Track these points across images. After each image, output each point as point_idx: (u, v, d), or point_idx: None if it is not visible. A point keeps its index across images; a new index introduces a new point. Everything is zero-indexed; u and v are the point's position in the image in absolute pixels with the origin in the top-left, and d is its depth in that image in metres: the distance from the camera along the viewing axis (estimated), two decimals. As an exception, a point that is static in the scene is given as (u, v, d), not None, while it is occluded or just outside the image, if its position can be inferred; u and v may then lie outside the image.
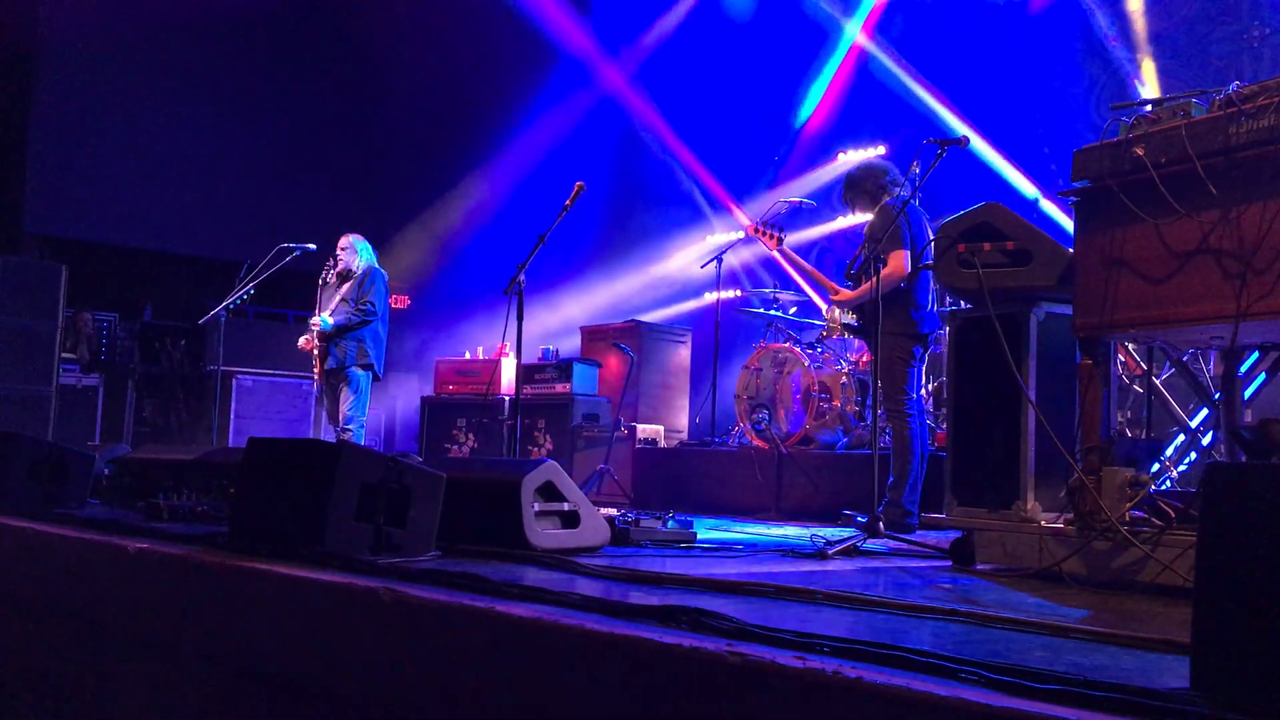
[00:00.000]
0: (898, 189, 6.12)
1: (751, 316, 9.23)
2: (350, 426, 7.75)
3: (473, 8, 12.54)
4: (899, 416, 5.81)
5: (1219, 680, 1.61)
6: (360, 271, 7.92)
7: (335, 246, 8.07)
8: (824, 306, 8.88)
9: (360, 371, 7.82)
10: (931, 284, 6.08)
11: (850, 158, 11.02)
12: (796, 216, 10.64)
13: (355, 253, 7.98)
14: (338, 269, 7.99)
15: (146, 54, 11.43)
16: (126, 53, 11.37)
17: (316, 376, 8.01)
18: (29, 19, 11.10)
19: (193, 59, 11.63)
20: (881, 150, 10.73)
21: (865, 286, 5.99)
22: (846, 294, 6.28)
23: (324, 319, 7.76)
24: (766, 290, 9.04)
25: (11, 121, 11.08)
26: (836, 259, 11.43)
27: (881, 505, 5.34)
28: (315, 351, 7.84)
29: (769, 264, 11.86)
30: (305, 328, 8.04)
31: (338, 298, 7.86)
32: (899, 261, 5.80)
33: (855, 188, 6.30)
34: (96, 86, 11.33)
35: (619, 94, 13.19)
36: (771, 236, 6.96)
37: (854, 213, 6.47)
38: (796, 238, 11.55)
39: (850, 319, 6.38)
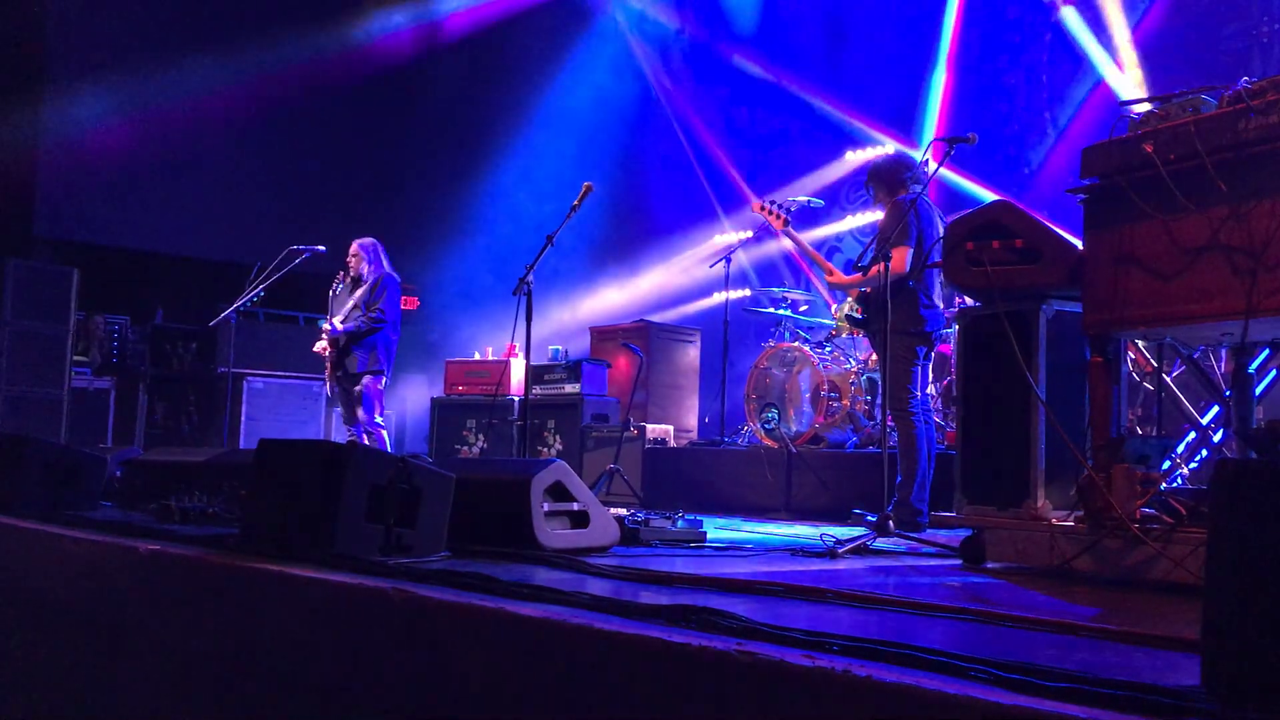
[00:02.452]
0: (915, 186, 6.11)
1: (760, 316, 9.23)
2: (371, 430, 7.79)
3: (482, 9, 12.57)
4: (903, 416, 5.79)
5: (1230, 677, 1.60)
6: (373, 278, 7.90)
7: (346, 252, 8.06)
8: (833, 306, 8.87)
9: (371, 378, 7.84)
10: (938, 283, 6.06)
11: (857, 156, 11.02)
12: (804, 216, 10.63)
13: (367, 259, 7.97)
14: (350, 274, 7.99)
15: (156, 58, 11.46)
16: (136, 57, 11.41)
17: (328, 379, 8.03)
18: (39, 24, 11.15)
19: (201, 61, 11.66)
20: (890, 150, 10.72)
21: (859, 276, 6.03)
22: (841, 277, 6.36)
23: (334, 325, 7.78)
24: (775, 289, 9.03)
25: (22, 126, 11.12)
26: (846, 259, 11.43)
27: (891, 504, 5.33)
28: (327, 357, 7.87)
29: (777, 264, 11.87)
30: (316, 331, 8.07)
31: (350, 303, 7.87)
32: (899, 258, 5.78)
33: (877, 178, 6.31)
34: (106, 90, 11.37)
35: (628, 89, 13.20)
36: (776, 215, 6.94)
37: (875, 201, 6.47)
38: (804, 237, 11.54)
39: (855, 312, 6.39)
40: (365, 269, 7.93)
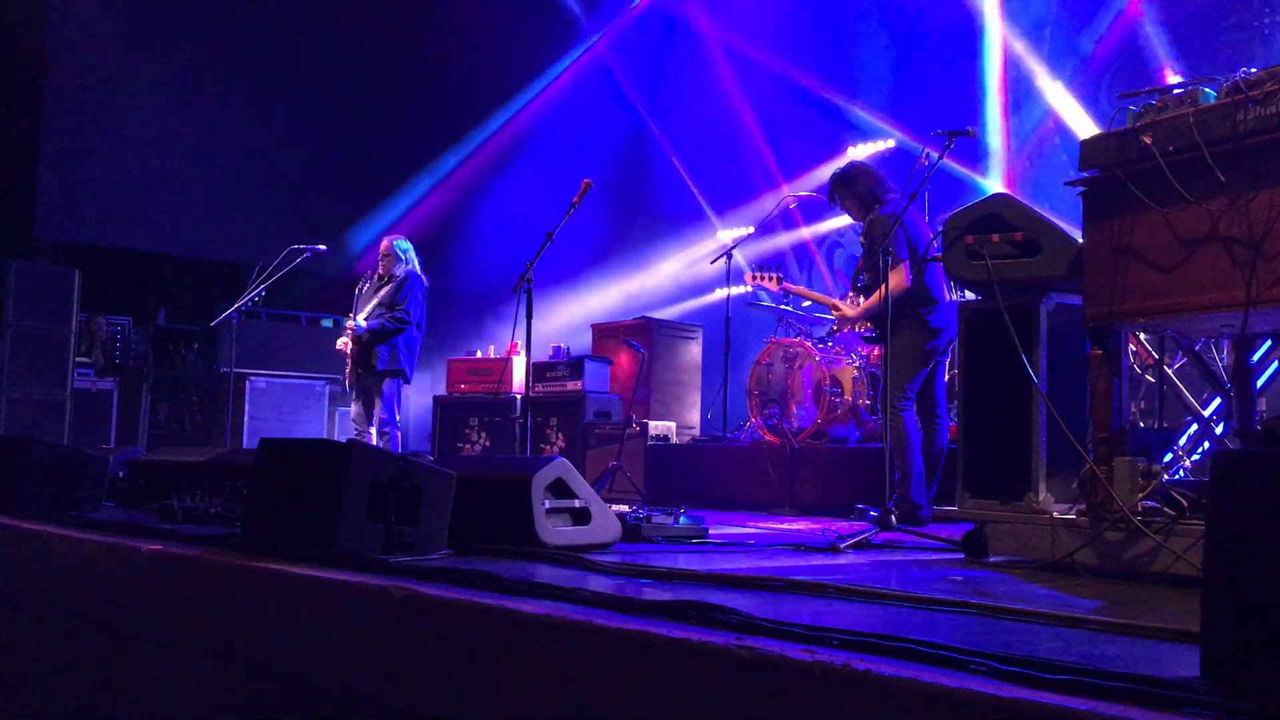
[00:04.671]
0: (892, 195, 6.08)
1: (762, 312, 9.22)
2: (386, 431, 7.80)
3: (479, 13, 12.57)
4: (894, 413, 5.74)
5: (1228, 669, 1.60)
6: (400, 277, 7.93)
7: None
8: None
9: (391, 378, 7.85)
10: (945, 278, 6.02)
11: (859, 151, 11.01)
12: (810, 210, 10.64)
13: (397, 258, 7.99)
14: (378, 272, 8.02)
15: (156, 58, 11.47)
16: (137, 57, 11.42)
17: (347, 376, 8.03)
18: (39, 25, 11.16)
19: (202, 63, 11.67)
20: (891, 144, 10.70)
21: (867, 303, 6.11)
22: (850, 313, 6.44)
23: (358, 322, 7.79)
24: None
25: (23, 127, 11.13)
26: (848, 255, 11.44)
27: (892, 500, 5.32)
28: (349, 353, 7.87)
29: (784, 257, 11.88)
30: (319, 330, 8.09)
31: (374, 301, 7.89)
32: (899, 278, 5.75)
33: (847, 188, 6.22)
34: (107, 91, 11.38)
35: (627, 94, 13.22)
36: (771, 279, 7.19)
37: (841, 211, 6.43)
38: (807, 232, 11.55)
39: (865, 330, 6.43)
40: (395, 268, 7.96)
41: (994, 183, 9.80)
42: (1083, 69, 9.66)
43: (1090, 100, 9.46)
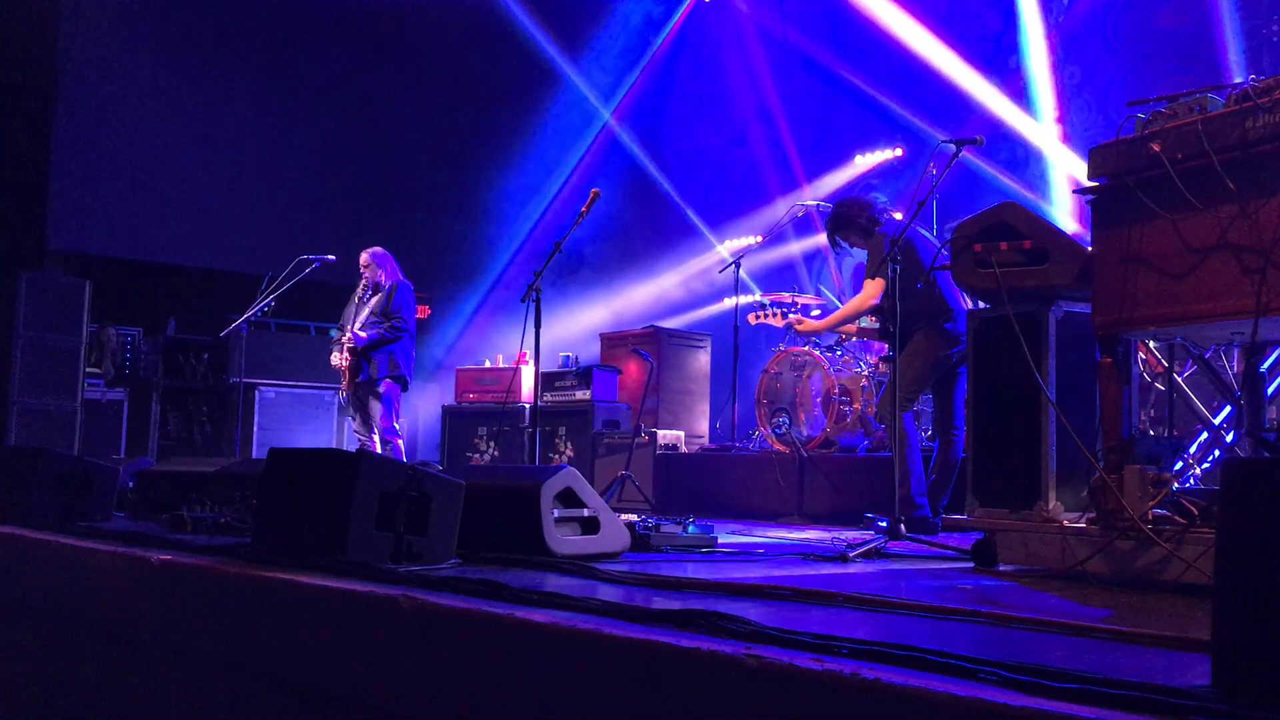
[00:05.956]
0: (887, 215, 6.14)
1: (770, 320, 9.23)
2: (390, 439, 7.85)
3: (485, 27, 12.61)
4: (892, 415, 5.72)
5: (1240, 677, 1.59)
6: (387, 286, 7.99)
7: (357, 262, 8.11)
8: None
9: (391, 384, 7.90)
10: (955, 288, 6.01)
11: (866, 159, 11.01)
12: (824, 216, 10.63)
13: (378, 266, 8.05)
14: (365, 284, 8.07)
15: (167, 70, 11.51)
16: (148, 69, 11.46)
17: (344, 389, 8.05)
18: (51, 36, 11.21)
19: (213, 74, 11.71)
20: (899, 152, 10.70)
21: (830, 319, 6.53)
22: (811, 325, 6.75)
23: (356, 334, 7.83)
24: (785, 294, 9.03)
25: (34, 138, 11.18)
26: (856, 264, 11.42)
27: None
28: (346, 366, 7.90)
29: (795, 264, 11.88)
30: (328, 340, 8.13)
31: (366, 312, 7.93)
32: (871, 289, 5.92)
33: (847, 225, 6.26)
34: (118, 103, 11.42)
35: (624, 113, 13.26)
36: (773, 315, 7.53)
37: (849, 248, 6.45)
38: (813, 241, 11.54)
39: (880, 349, 6.50)
40: (380, 277, 8.01)
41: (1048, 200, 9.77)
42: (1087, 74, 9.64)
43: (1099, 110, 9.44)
